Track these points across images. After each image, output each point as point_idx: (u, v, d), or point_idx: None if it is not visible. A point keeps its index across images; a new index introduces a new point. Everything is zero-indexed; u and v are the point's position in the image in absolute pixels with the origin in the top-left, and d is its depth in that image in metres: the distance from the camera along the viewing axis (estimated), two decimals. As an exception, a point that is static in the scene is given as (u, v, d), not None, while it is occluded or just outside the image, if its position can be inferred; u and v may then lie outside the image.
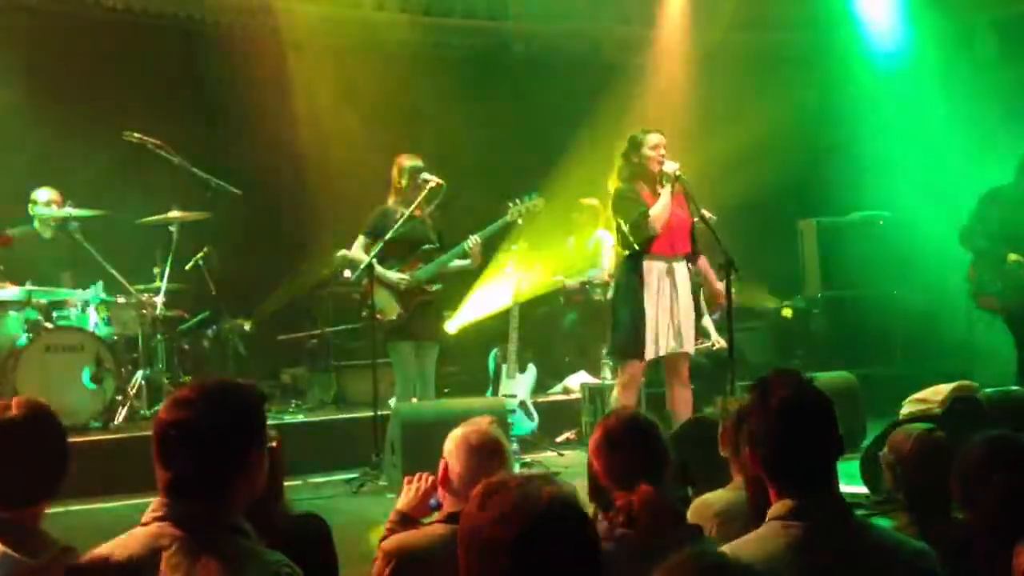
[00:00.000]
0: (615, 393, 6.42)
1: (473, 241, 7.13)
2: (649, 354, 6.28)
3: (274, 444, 2.54)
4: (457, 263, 7.26)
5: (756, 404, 2.55)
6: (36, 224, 7.76)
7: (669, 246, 6.36)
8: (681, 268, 6.42)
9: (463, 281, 8.09)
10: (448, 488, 3.07)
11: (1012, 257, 7.49)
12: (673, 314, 6.32)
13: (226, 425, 2.30)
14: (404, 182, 7.16)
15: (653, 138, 6.37)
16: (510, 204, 7.28)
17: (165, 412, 2.33)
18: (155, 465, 2.30)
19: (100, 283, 7.50)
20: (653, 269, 6.31)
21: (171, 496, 2.28)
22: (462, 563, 1.79)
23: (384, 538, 3.15)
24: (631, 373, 6.42)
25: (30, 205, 7.73)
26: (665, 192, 6.27)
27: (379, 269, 7.03)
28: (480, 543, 1.76)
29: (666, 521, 2.87)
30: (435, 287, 7.24)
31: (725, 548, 2.41)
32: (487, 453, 3.05)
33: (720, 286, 6.39)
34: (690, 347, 6.50)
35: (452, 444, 3.10)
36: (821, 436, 2.47)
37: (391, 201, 7.22)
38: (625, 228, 6.31)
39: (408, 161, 7.20)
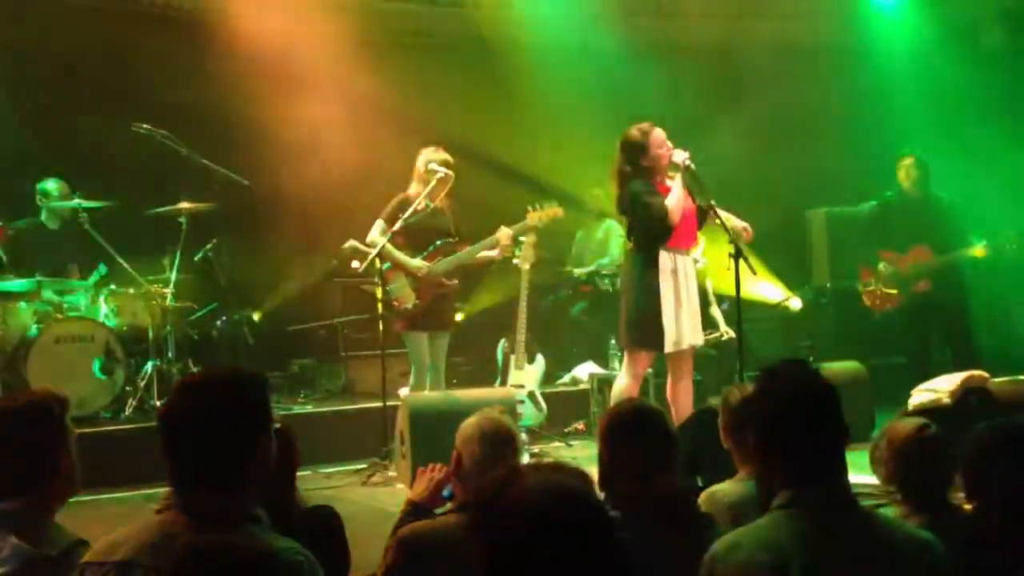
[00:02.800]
0: (621, 384, 6.39)
1: (505, 234, 7.16)
2: (668, 347, 6.25)
3: (279, 425, 2.53)
4: (484, 254, 7.29)
5: (758, 393, 2.56)
6: (43, 215, 7.77)
7: (679, 240, 6.33)
8: (687, 263, 6.39)
9: (471, 271, 8.09)
10: (461, 478, 3.09)
11: (881, 266, 8.38)
12: (685, 308, 6.30)
13: (231, 412, 2.29)
14: (423, 172, 7.19)
15: (657, 135, 6.29)
16: (529, 208, 7.32)
17: (170, 402, 2.33)
18: (163, 454, 2.29)
19: (101, 265, 7.54)
20: (667, 263, 6.28)
21: (181, 485, 2.28)
22: (484, 549, 1.77)
23: (397, 527, 3.16)
24: (642, 364, 6.41)
25: (38, 196, 7.74)
26: (677, 183, 6.23)
27: (398, 254, 7.06)
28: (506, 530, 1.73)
29: (678, 512, 2.89)
30: (452, 281, 7.26)
31: (729, 536, 2.42)
32: (500, 442, 3.07)
33: (740, 223, 6.32)
34: (700, 341, 6.50)
35: (466, 434, 3.11)
36: (822, 425, 2.46)
37: (412, 190, 7.24)
38: (648, 224, 6.24)
39: (428, 152, 7.23)
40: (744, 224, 6.36)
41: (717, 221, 6.16)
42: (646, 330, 6.25)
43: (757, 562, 2.30)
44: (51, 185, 7.73)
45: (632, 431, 3.03)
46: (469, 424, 3.13)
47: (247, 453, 2.30)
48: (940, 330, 8.36)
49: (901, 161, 8.36)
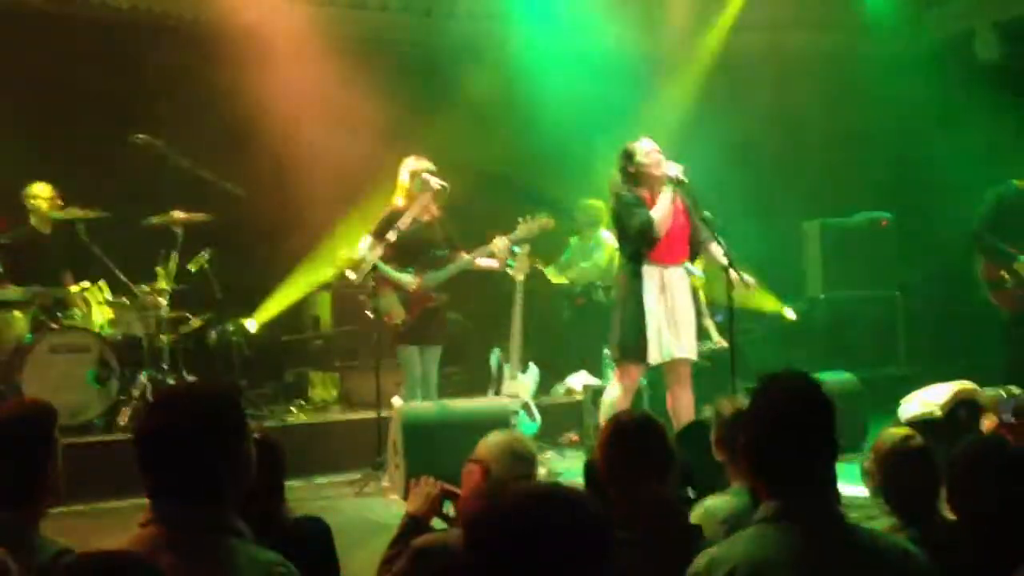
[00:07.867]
0: (610, 396, 6.41)
1: (502, 243, 7.16)
2: (652, 358, 6.28)
3: (257, 436, 2.54)
4: (484, 263, 7.30)
5: (754, 399, 2.54)
6: (33, 220, 7.76)
7: (668, 254, 6.36)
8: (680, 275, 6.42)
9: (466, 283, 8.10)
10: (482, 493, 3.08)
11: (1022, 259, 7.72)
12: (673, 321, 6.32)
13: (200, 427, 2.30)
14: (411, 184, 7.18)
15: (646, 144, 6.38)
16: (519, 220, 7.33)
17: (142, 421, 2.37)
18: (140, 470, 2.32)
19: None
20: (653, 275, 6.31)
21: (160, 500, 2.30)
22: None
23: (397, 541, 3.17)
24: (631, 376, 6.44)
25: (30, 200, 7.71)
26: (665, 194, 6.27)
27: (387, 269, 7.06)
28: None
29: (668, 522, 2.90)
30: (441, 296, 7.27)
31: (714, 549, 2.42)
32: (528, 462, 3.14)
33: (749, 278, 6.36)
34: (692, 354, 6.50)
35: (496, 450, 3.14)
36: (810, 436, 2.43)
37: (400, 203, 7.23)
38: (631, 234, 6.30)
39: (415, 163, 7.21)
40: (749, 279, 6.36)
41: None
42: (631, 342, 6.29)
43: None
44: (43, 188, 7.71)
45: (634, 438, 3.05)
46: (497, 441, 3.18)
47: (222, 465, 2.31)
48: None
49: None
